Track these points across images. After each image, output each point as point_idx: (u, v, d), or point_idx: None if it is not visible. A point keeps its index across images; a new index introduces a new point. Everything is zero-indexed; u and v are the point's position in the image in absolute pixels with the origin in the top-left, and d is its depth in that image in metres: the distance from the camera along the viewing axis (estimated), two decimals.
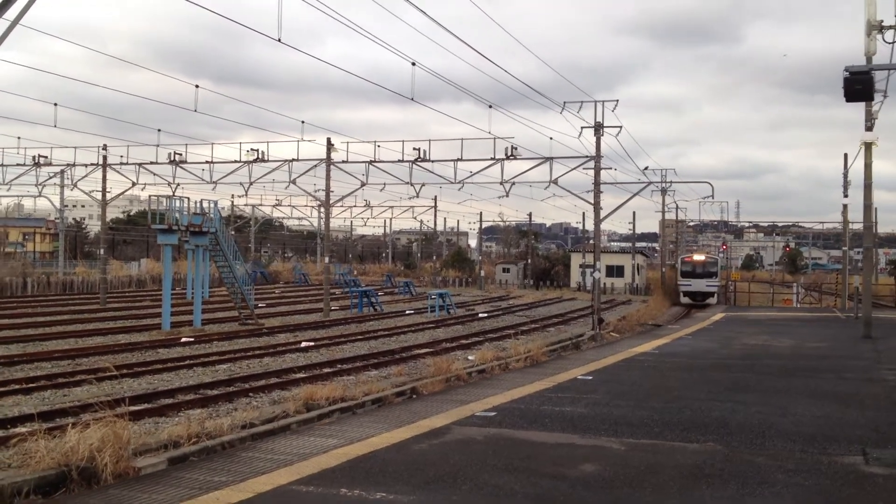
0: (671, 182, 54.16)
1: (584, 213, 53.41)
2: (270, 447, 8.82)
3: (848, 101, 15.48)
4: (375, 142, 42.77)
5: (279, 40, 20.86)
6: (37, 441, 10.62)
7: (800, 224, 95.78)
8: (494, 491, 7.07)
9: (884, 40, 16.03)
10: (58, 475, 10.21)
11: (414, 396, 16.67)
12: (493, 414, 10.80)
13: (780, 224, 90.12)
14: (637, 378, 14.83)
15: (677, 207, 66.17)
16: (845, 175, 40.19)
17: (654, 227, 61.61)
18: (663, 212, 60.20)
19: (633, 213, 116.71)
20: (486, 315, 44.16)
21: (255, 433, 13.41)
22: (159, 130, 44.58)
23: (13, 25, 8.99)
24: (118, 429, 10.87)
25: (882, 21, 16.47)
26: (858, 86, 15.07)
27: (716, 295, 52.58)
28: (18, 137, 51.75)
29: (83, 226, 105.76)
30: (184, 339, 28.31)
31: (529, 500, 6.86)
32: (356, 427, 9.85)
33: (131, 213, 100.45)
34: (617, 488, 7.28)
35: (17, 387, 17.88)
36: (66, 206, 78.56)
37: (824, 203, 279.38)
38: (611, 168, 46.43)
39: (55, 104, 40.46)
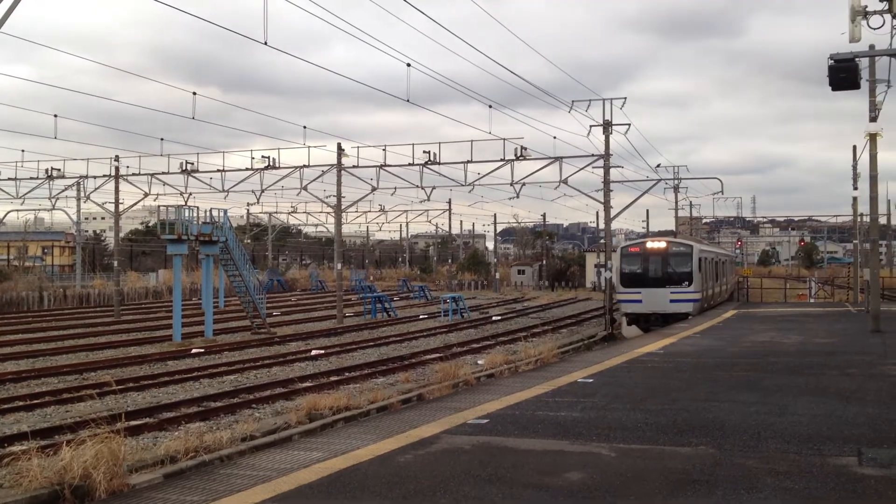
0: (681, 179, 53.69)
1: (597, 213, 53.08)
2: (252, 463, 8.76)
3: (834, 89, 15.31)
4: (385, 146, 42.78)
5: (265, 43, 20.90)
6: (30, 460, 10.62)
7: (815, 218, 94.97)
8: (474, 503, 6.97)
9: (868, 26, 15.81)
10: (50, 494, 10.20)
11: (418, 403, 16.60)
12: (486, 421, 10.70)
13: (795, 218, 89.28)
14: (638, 379, 14.68)
15: (691, 205, 65.81)
16: (854, 167, 39.82)
17: (669, 225, 61.43)
18: (676, 209, 59.86)
19: (647, 211, 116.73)
20: (499, 318, 44.06)
21: (256, 445, 13.39)
22: (161, 139, 44.79)
23: None
24: (113, 445, 10.85)
25: (866, 6, 16.24)
26: (843, 74, 14.89)
27: (688, 315, 31.41)
28: (23, 150, 52.04)
29: (102, 238, 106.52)
30: (194, 351, 28.41)
31: None
32: (345, 439, 9.78)
33: (150, 224, 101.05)
34: (600, 497, 7.17)
35: (20, 403, 17.98)
36: (85, 218, 79.14)
37: (838, 196, 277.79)
38: (620, 166, 45.98)
39: (55, 115, 40.72)
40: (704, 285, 33.82)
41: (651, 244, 33.72)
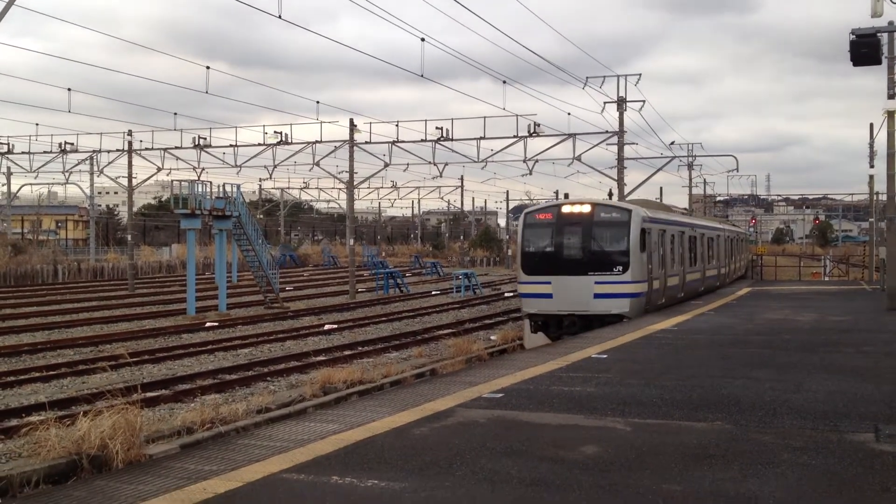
0: (696, 156, 53.39)
1: (609, 190, 52.78)
2: (269, 433, 8.80)
3: (855, 65, 15.14)
4: (397, 122, 42.72)
5: (280, 17, 20.88)
6: (48, 430, 10.73)
7: (830, 196, 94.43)
8: (489, 476, 6.98)
9: (891, 1, 15.58)
10: (68, 464, 10.31)
11: (431, 377, 16.65)
12: (500, 395, 10.71)
13: (809, 197, 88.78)
14: (652, 356, 14.66)
15: (705, 182, 65.47)
16: (871, 146, 39.56)
17: (683, 203, 60.73)
18: (690, 186, 59.57)
19: (661, 188, 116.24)
20: (511, 294, 44.05)
21: (271, 417, 13.50)
22: (175, 114, 44.85)
23: (10, 5, 9.00)
24: (130, 416, 10.96)
25: None
26: (865, 49, 14.72)
27: (622, 317, 21.96)
28: (37, 124, 52.19)
29: (115, 212, 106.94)
30: (208, 324, 28.56)
31: (524, 484, 6.77)
32: (360, 411, 9.81)
33: (163, 199, 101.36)
34: (616, 471, 7.17)
35: (36, 374, 18.13)
36: (99, 192, 79.51)
37: (853, 174, 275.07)
38: (634, 143, 45.72)
39: (69, 89, 40.82)
40: (657, 271, 24.19)
41: (568, 208, 23.10)
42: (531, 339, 22.78)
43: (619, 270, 22.15)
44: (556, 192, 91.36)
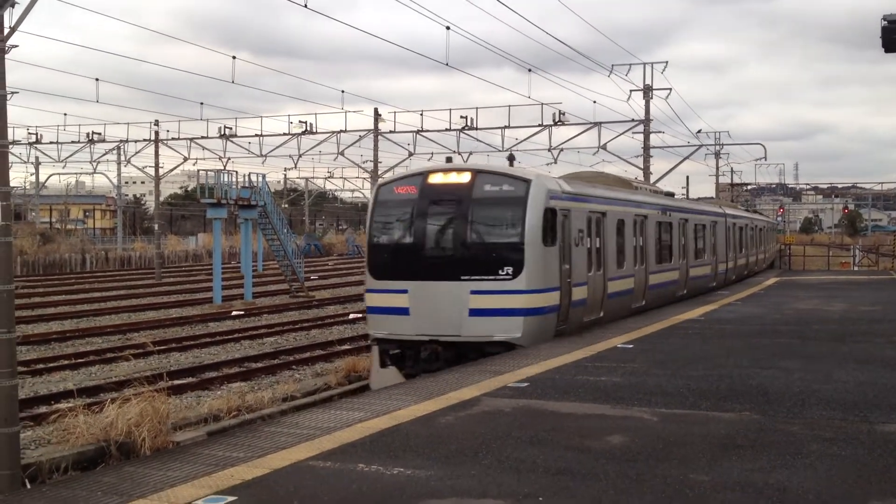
0: (723, 144, 52.86)
1: (635, 179, 52.52)
2: (295, 421, 8.83)
3: (887, 51, 14.89)
4: (421, 111, 42.70)
5: (305, 6, 20.84)
6: (76, 417, 10.85)
7: (859, 185, 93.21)
8: (515, 465, 6.96)
9: None
10: (96, 450, 10.44)
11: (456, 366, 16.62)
12: (526, 385, 10.67)
13: (838, 185, 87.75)
14: (679, 346, 14.56)
15: (732, 171, 64.85)
16: None
17: (710, 192, 60.01)
18: (717, 175, 59.08)
19: (687, 177, 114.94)
20: None
21: (296, 405, 13.58)
22: (202, 104, 45.01)
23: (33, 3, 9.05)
24: (157, 404, 11.07)
25: None
26: None
27: (512, 345, 14.34)
28: (65, 114, 52.76)
29: (142, 202, 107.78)
30: (234, 313, 28.73)
31: (550, 473, 6.74)
32: (385, 399, 9.81)
33: (189, 189, 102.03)
34: (642, 461, 7.12)
35: (65, 362, 18.34)
36: (126, 182, 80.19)
37: (882, 163, 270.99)
38: (661, 132, 45.33)
39: (97, 79, 41.17)
40: (584, 272, 16.82)
41: (439, 177, 15.48)
42: (380, 377, 14.98)
43: (507, 274, 14.69)
44: None
